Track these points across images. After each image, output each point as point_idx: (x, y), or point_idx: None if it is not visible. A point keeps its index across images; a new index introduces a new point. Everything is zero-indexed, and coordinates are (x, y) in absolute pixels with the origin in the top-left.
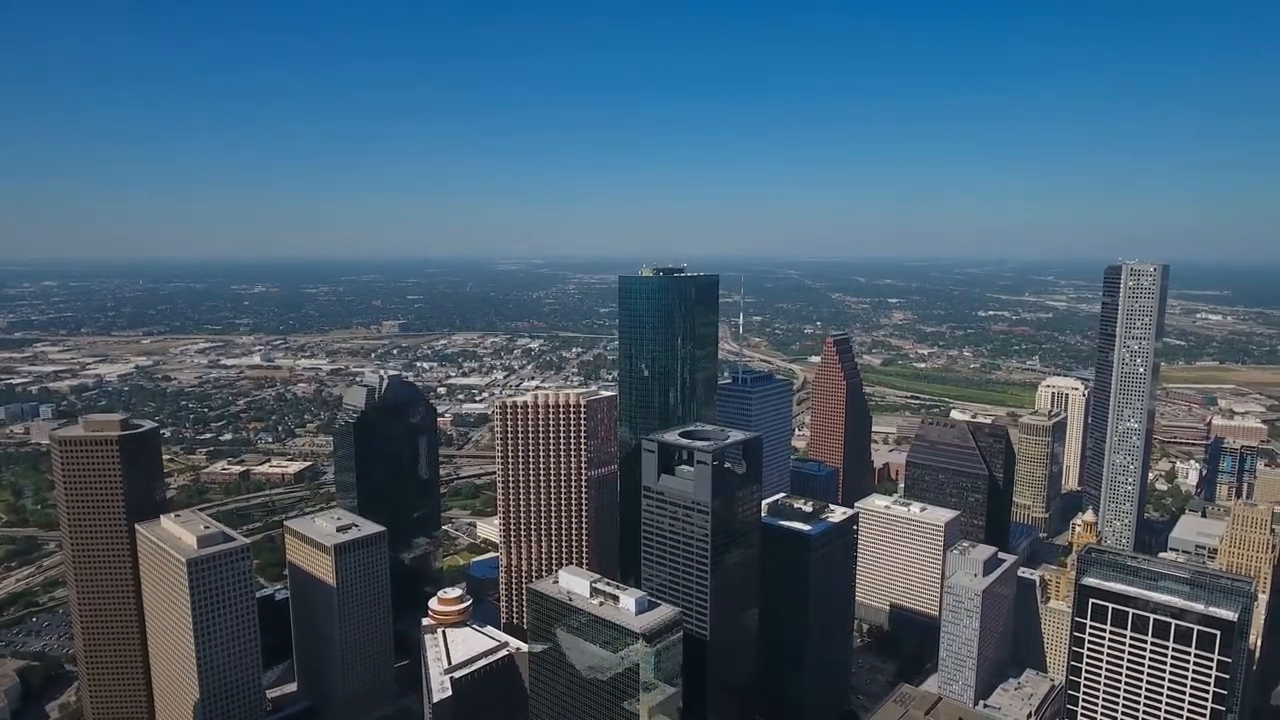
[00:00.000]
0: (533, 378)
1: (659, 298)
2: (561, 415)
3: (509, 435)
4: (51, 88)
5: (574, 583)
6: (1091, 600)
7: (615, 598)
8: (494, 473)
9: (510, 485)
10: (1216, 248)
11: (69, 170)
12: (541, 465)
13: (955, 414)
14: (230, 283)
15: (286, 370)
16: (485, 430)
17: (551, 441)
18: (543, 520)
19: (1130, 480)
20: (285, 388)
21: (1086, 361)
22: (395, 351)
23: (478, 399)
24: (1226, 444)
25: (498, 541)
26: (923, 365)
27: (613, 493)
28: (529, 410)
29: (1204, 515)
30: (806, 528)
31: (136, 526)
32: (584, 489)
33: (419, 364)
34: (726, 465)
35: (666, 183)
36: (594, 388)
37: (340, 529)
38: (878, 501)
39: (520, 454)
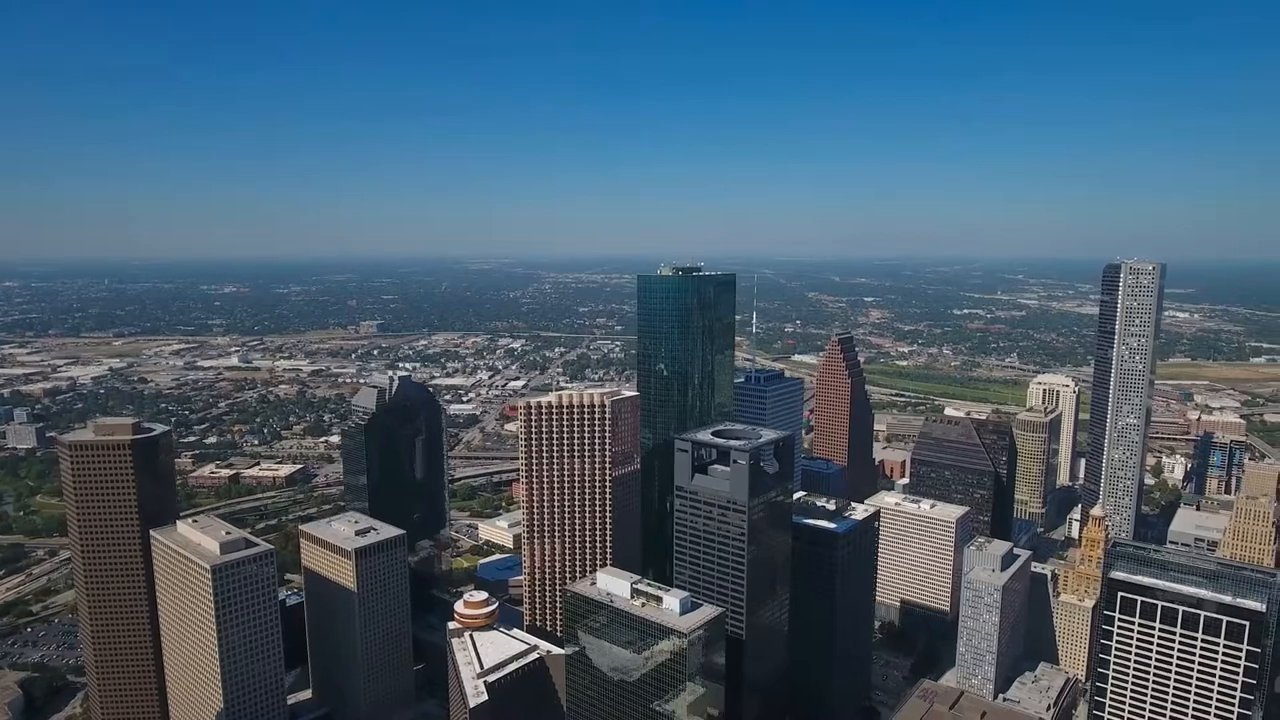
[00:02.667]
0: (517, 378)
1: (677, 297)
2: (585, 415)
3: (532, 435)
4: (8, 84)
5: (613, 584)
6: (1120, 593)
7: (658, 598)
8: (491, 474)
9: (534, 485)
10: (1180, 246)
11: (28, 169)
12: (565, 465)
13: (949, 411)
14: (199, 283)
15: (266, 371)
16: (476, 431)
17: (575, 441)
18: (566, 520)
19: (1130, 475)
20: (266, 389)
21: (1064, 359)
22: (375, 352)
23: (464, 399)
24: (1216, 438)
25: (522, 542)
26: (905, 363)
27: (635, 492)
28: (553, 410)
29: (1198, 509)
30: (833, 525)
31: (152, 533)
32: (608, 489)
33: (401, 365)
34: (760, 464)
35: (637, 183)
36: (615, 387)
37: (359, 533)
38: (888, 498)
39: (544, 454)
